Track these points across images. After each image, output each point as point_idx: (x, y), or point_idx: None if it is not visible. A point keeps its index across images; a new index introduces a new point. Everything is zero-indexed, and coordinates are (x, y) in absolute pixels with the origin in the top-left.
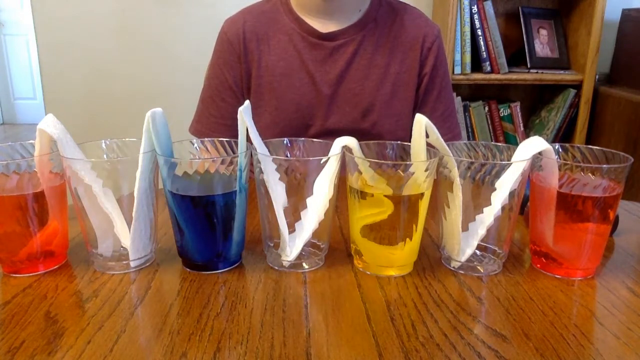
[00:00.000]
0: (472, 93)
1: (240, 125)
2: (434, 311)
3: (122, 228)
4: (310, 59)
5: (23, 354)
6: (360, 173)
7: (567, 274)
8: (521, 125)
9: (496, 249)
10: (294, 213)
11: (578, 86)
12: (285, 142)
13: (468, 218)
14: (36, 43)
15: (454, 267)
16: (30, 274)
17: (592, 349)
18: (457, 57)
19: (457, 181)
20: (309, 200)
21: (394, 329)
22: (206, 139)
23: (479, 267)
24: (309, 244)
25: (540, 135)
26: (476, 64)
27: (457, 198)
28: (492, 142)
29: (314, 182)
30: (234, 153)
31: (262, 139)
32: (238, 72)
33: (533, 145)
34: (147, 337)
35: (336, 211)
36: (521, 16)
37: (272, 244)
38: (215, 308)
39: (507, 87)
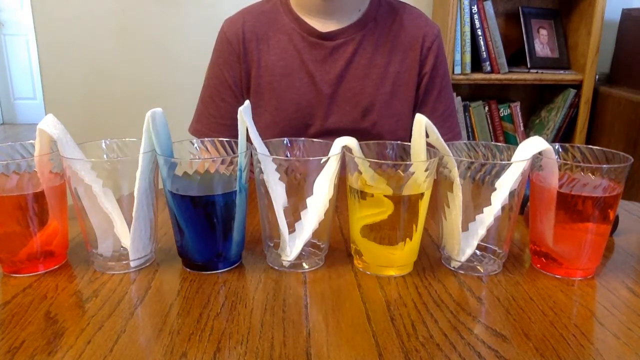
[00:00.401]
0: (472, 93)
1: (240, 125)
2: (434, 311)
3: (122, 228)
4: (310, 58)
5: (23, 354)
6: (360, 173)
7: (567, 274)
8: (521, 125)
9: (496, 249)
10: (294, 213)
11: (578, 86)
12: (285, 142)
13: (468, 218)
14: (36, 43)
15: (454, 267)
16: (30, 274)
17: (592, 349)
18: (457, 57)
19: (457, 181)
20: (309, 200)
21: (394, 329)
22: (206, 139)
23: (479, 267)
24: (309, 244)
25: (540, 135)
26: (476, 64)
27: (457, 198)
28: (492, 142)
29: (314, 182)
30: (234, 153)
31: (262, 139)
32: (238, 72)
33: (533, 145)
34: (147, 337)
35: (336, 211)
36: (521, 16)
37: (272, 244)
38: (215, 308)
39: (507, 87)
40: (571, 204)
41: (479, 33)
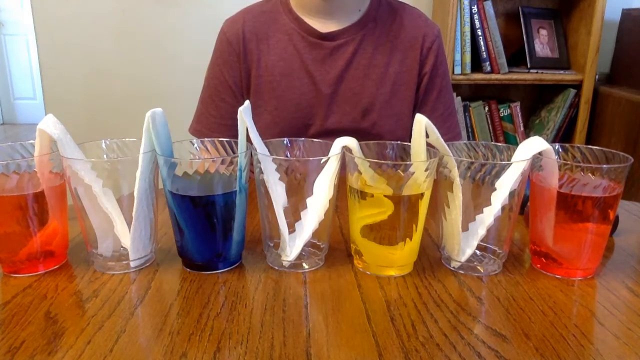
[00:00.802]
0: (472, 93)
1: (240, 125)
2: (434, 311)
3: (122, 228)
4: (310, 58)
5: (23, 354)
6: (360, 173)
7: (567, 274)
8: (521, 125)
9: (496, 249)
10: (294, 213)
11: (578, 86)
12: (285, 142)
13: (468, 218)
14: (36, 43)
15: (454, 267)
16: (30, 274)
17: (592, 349)
18: (457, 57)
19: (457, 181)
20: (309, 200)
21: (394, 329)
22: (206, 139)
23: (479, 267)
24: (309, 244)
25: (540, 135)
26: (476, 64)
27: (457, 198)
28: (492, 142)
29: (314, 182)
30: (234, 153)
31: (262, 139)
32: (238, 72)
33: (533, 145)
34: (147, 337)
35: (336, 211)
36: (521, 16)
37: (272, 244)
38: (215, 308)
39: (507, 87)
40: (571, 204)
41: (479, 33)
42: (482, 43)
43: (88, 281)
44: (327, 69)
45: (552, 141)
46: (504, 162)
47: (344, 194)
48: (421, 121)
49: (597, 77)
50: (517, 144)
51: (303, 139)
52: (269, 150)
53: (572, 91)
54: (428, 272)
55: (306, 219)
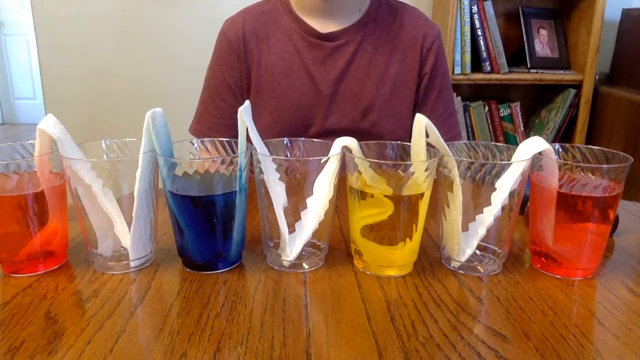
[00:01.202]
0: (472, 93)
1: (240, 125)
2: (434, 311)
3: (122, 228)
4: (310, 58)
5: (23, 354)
6: (360, 173)
7: (567, 274)
8: (521, 125)
9: (496, 249)
10: (294, 213)
11: (578, 86)
12: (285, 142)
13: (468, 218)
14: (36, 43)
15: (454, 267)
16: (30, 274)
17: (592, 349)
18: (457, 57)
19: (457, 181)
20: (309, 200)
21: (394, 329)
22: (206, 139)
23: (479, 267)
24: (309, 244)
25: (540, 135)
26: (476, 64)
27: (457, 198)
28: (492, 142)
29: (314, 182)
30: (234, 153)
31: (262, 139)
32: (238, 72)
33: (533, 145)
34: (147, 337)
35: (336, 211)
36: (521, 16)
37: (272, 244)
38: (215, 308)
39: (507, 87)
40: (571, 204)
41: (479, 33)
42: (482, 43)
43: (88, 281)
44: (327, 69)
45: (552, 141)
46: (504, 162)
47: (344, 194)
48: (421, 121)
49: (597, 77)
50: (517, 144)
51: (303, 139)
52: (269, 150)
53: (572, 91)
54: (428, 272)
55: (306, 219)
